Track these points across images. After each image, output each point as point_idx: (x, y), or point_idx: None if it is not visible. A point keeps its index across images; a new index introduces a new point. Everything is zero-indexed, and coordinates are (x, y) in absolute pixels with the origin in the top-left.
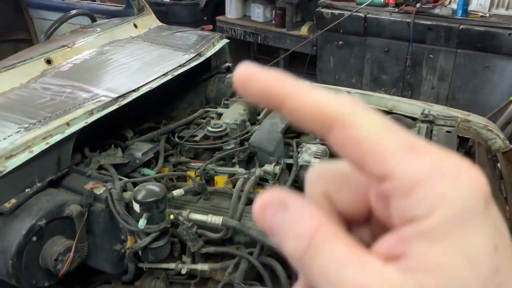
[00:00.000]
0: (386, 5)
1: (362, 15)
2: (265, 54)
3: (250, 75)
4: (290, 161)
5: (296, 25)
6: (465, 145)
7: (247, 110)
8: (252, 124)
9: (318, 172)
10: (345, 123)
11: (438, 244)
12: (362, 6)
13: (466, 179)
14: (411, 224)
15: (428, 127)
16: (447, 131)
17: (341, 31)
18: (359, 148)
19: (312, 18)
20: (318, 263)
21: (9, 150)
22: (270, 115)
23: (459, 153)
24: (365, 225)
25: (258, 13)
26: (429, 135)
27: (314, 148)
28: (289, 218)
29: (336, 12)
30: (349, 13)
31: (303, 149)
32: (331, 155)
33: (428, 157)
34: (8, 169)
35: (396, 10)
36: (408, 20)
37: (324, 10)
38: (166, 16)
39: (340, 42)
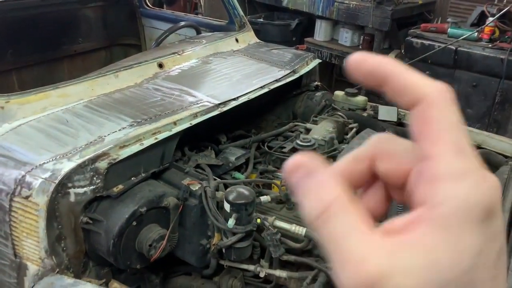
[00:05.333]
0: (479, 39)
1: (453, 47)
2: (347, 77)
3: (362, 59)
4: None
5: (383, 51)
6: None
7: (335, 128)
8: (340, 142)
9: (384, 138)
10: (429, 104)
11: (435, 233)
12: (454, 40)
13: (480, 191)
14: (423, 207)
15: None
16: None
17: (429, 61)
18: (427, 128)
19: (400, 46)
20: (329, 228)
21: (123, 141)
22: (359, 136)
23: None
24: (384, 189)
25: (346, 37)
26: None
27: None
28: (314, 183)
29: (427, 42)
30: (439, 44)
31: None
32: None
33: (467, 163)
34: (120, 158)
35: (490, 45)
36: (502, 57)
37: (414, 40)
38: (258, 34)
39: (427, 72)
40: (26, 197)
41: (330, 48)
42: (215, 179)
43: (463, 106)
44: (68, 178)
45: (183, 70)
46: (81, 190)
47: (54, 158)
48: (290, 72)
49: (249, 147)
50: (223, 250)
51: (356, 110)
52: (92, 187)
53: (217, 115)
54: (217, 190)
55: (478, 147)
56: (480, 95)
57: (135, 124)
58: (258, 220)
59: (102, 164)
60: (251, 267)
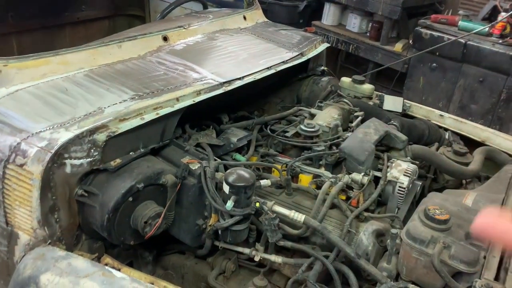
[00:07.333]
0: (490, 34)
1: (462, 41)
2: (351, 64)
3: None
4: (378, 174)
5: (391, 40)
6: None
7: (341, 115)
8: (344, 130)
9: None
10: None
11: None
12: (465, 34)
13: None
14: None
15: None
16: None
17: (437, 53)
18: None
19: (408, 36)
20: None
21: (123, 114)
22: (364, 124)
23: None
24: None
25: (354, 23)
26: None
27: (405, 165)
28: None
29: (436, 34)
30: (449, 37)
31: (393, 164)
32: (420, 176)
33: None
34: (120, 131)
35: (500, 41)
36: (511, 53)
37: (423, 30)
38: (265, 14)
39: (434, 64)
40: (21, 165)
41: (337, 33)
42: (215, 160)
43: (467, 101)
44: (65, 148)
45: (188, 45)
46: (77, 162)
47: (51, 127)
48: (298, 55)
49: (251, 129)
50: (219, 232)
51: (362, 98)
52: (89, 159)
53: (222, 94)
54: (216, 170)
55: (481, 144)
56: (486, 91)
57: (136, 97)
58: (257, 204)
59: (101, 137)
60: (246, 250)
